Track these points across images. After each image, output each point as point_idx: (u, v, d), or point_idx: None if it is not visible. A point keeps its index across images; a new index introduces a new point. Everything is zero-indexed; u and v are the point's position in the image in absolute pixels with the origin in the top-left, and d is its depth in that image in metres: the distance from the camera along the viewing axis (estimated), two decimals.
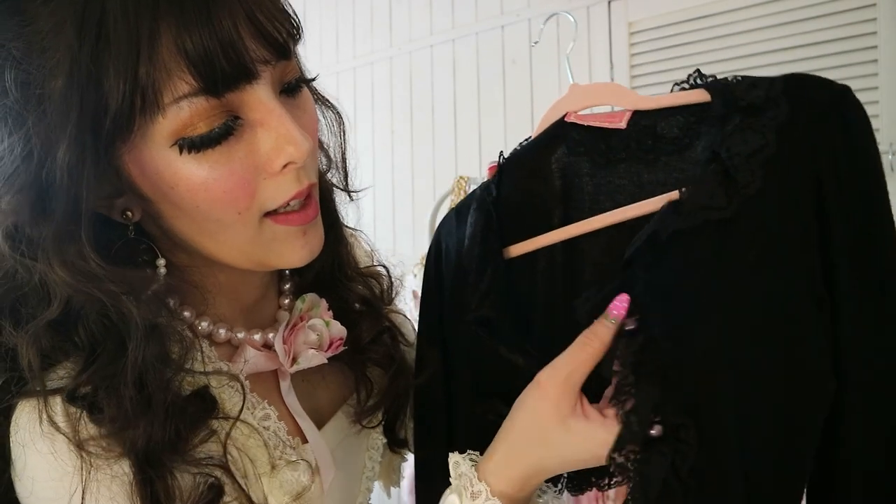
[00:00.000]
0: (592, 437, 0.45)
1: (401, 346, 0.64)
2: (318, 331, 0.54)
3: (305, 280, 0.57)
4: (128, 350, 0.40)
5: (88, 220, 0.39)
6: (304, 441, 0.52)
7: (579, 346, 0.47)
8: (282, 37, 0.42)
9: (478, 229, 0.60)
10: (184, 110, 0.38)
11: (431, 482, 0.58)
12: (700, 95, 0.54)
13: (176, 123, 0.39)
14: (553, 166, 0.61)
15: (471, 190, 1.66)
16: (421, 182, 2.17)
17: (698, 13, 1.56)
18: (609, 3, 1.73)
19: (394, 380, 0.59)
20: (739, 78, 0.53)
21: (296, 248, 0.47)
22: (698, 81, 0.56)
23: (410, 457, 0.65)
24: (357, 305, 0.59)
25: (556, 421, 0.46)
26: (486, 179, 0.65)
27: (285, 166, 0.43)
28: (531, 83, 1.90)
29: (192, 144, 0.40)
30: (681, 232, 0.48)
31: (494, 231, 0.59)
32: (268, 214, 0.44)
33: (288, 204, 0.45)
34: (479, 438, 0.52)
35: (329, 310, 0.56)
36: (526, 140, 0.64)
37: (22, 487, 0.40)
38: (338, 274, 0.59)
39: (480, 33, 2.01)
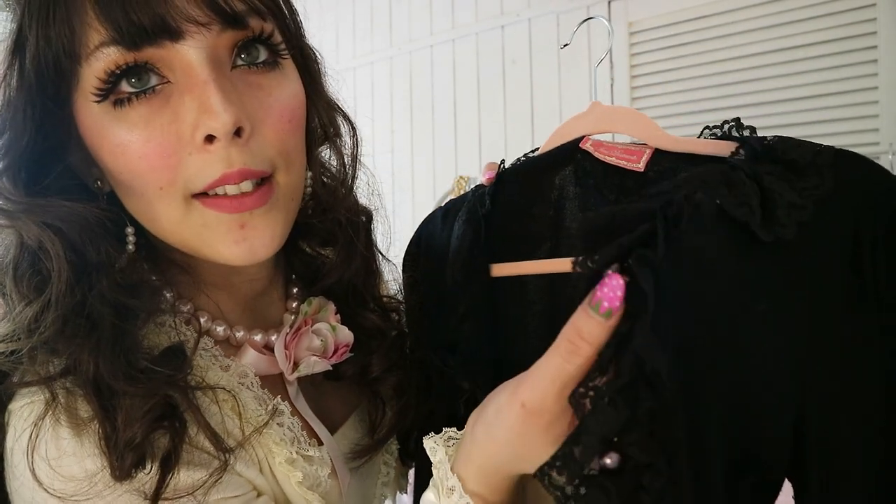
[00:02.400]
0: None
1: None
2: (323, 336, 0.52)
3: (313, 292, 0.54)
4: (60, 282, 0.40)
5: (30, 160, 0.40)
6: (320, 443, 0.51)
7: (566, 354, 0.37)
8: (233, 3, 0.39)
9: (465, 244, 0.56)
10: (99, 60, 0.37)
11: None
12: (732, 149, 0.48)
13: (96, 74, 0.38)
14: (556, 192, 0.56)
15: (471, 189, 1.63)
16: (421, 182, 2.17)
17: (698, 13, 1.56)
18: (609, 3, 1.73)
19: (403, 412, 0.57)
20: (778, 138, 0.47)
21: (228, 241, 0.41)
22: (732, 133, 0.50)
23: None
24: (370, 335, 0.56)
25: (549, 441, 0.38)
26: (481, 182, 0.61)
27: (210, 141, 0.39)
28: (531, 83, 1.90)
29: (107, 95, 0.38)
30: (714, 224, 0.41)
31: (481, 249, 0.55)
32: (197, 196, 0.41)
33: (221, 188, 0.41)
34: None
35: (337, 314, 0.54)
36: (532, 152, 0.59)
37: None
38: (352, 299, 0.56)
39: (480, 33, 2.01)
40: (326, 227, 0.52)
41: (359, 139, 0.54)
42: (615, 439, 0.36)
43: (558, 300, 0.55)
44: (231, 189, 0.40)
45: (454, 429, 0.46)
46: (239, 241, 0.41)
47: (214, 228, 0.41)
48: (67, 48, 0.38)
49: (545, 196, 0.56)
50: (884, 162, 1.29)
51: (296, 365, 0.50)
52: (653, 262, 0.36)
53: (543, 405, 0.37)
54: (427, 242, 0.62)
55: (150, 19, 0.37)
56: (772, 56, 1.47)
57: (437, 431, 0.56)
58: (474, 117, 2.02)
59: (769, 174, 0.44)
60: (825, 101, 1.42)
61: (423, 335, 0.60)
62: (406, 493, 0.66)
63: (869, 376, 0.43)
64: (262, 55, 0.42)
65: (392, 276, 0.63)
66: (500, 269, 0.56)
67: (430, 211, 1.68)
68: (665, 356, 0.35)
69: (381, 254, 0.60)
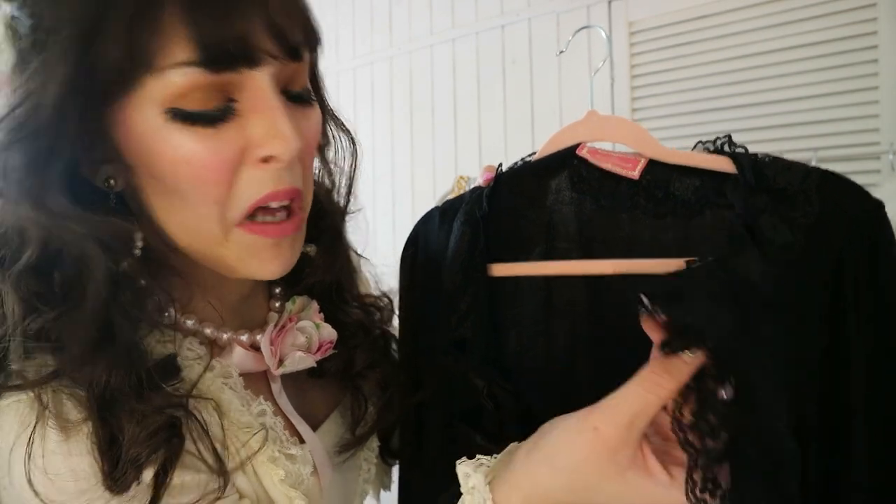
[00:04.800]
0: (652, 494, 0.38)
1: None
2: (308, 333, 0.53)
3: (298, 292, 0.56)
4: (95, 294, 0.40)
5: (64, 165, 0.40)
6: (301, 441, 0.52)
7: (647, 385, 0.38)
8: (294, 38, 0.42)
9: (464, 245, 0.57)
10: (179, 77, 0.39)
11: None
12: (724, 164, 0.51)
13: (170, 89, 0.39)
14: (552, 196, 0.58)
15: (468, 191, 1.65)
16: (421, 182, 2.17)
17: (698, 13, 1.56)
18: (609, 3, 1.73)
19: (387, 409, 0.59)
20: (769, 158, 0.50)
21: (265, 260, 0.45)
22: (725, 148, 0.53)
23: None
24: (353, 331, 0.58)
25: (612, 472, 0.38)
26: (479, 184, 0.63)
27: (268, 160, 0.42)
28: (531, 83, 1.90)
29: (186, 116, 0.40)
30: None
31: (481, 250, 0.57)
32: (241, 225, 0.44)
33: (267, 207, 0.44)
34: (450, 462, 0.47)
35: (320, 312, 0.55)
36: (530, 156, 0.61)
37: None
38: (335, 296, 0.58)
39: (480, 33, 2.01)
40: (312, 227, 0.53)
41: (358, 151, 0.57)
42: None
43: (559, 301, 0.56)
44: (280, 215, 0.45)
45: (487, 457, 0.45)
46: (273, 259, 0.46)
47: (255, 250, 0.45)
48: (143, 56, 0.38)
49: (541, 200, 0.58)
50: (884, 162, 1.29)
51: (281, 361, 0.51)
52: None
53: (618, 431, 0.38)
54: (425, 241, 0.63)
55: (236, 48, 0.40)
56: (772, 56, 1.47)
57: (437, 431, 0.56)
58: (474, 117, 2.02)
59: (762, 211, 0.47)
60: (825, 101, 1.41)
61: (423, 334, 0.61)
62: (389, 490, 0.67)
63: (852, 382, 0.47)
64: (305, 90, 0.46)
65: (370, 274, 0.66)
66: (500, 269, 0.57)
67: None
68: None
69: (356, 251, 0.62)
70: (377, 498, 0.68)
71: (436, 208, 0.65)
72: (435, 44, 2.12)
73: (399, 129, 2.23)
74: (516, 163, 0.61)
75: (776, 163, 0.50)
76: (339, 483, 0.55)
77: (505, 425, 0.51)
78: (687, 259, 0.44)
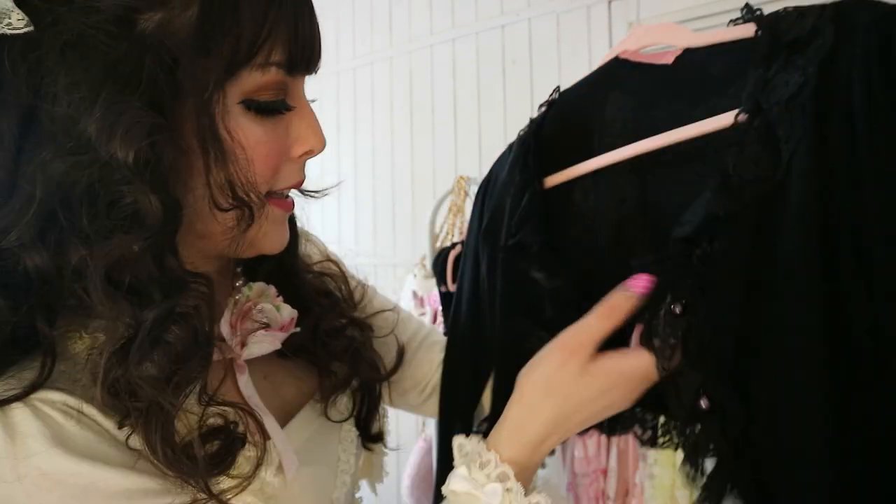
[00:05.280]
0: (617, 370, 0.48)
1: (373, 339, 0.64)
2: (268, 315, 0.54)
3: (259, 274, 0.58)
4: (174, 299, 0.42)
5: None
6: (267, 437, 0.50)
7: (599, 317, 0.49)
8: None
9: (517, 158, 0.62)
10: (266, 75, 0.43)
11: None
12: (748, 30, 0.52)
13: (253, 84, 0.43)
14: (599, 100, 0.61)
15: (471, 190, 1.66)
16: (421, 182, 2.17)
17: (698, 13, 1.56)
18: (609, 3, 1.73)
19: (354, 367, 0.60)
20: (790, 9, 0.49)
21: (279, 233, 0.50)
22: (748, 16, 0.53)
23: (396, 455, 0.65)
24: (315, 298, 0.60)
25: (574, 368, 0.48)
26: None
27: (302, 154, 0.48)
28: (531, 83, 1.90)
29: (260, 107, 0.44)
30: (732, 213, 0.46)
31: (534, 159, 0.62)
32: (268, 196, 0.48)
33: (286, 191, 0.50)
34: (510, 359, 0.55)
35: (279, 296, 0.56)
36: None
37: None
38: (290, 275, 0.60)
39: (480, 33, 2.01)
40: None
41: None
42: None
43: (609, 196, 0.60)
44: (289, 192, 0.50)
45: (480, 435, 0.52)
46: (284, 231, 0.51)
47: (277, 222, 0.50)
48: (253, 53, 0.42)
49: (587, 107, 0.62)
50: None
51: (243, 345, 0.51)
52: (697, 264, 0.47)
53: (579, 341, 0.49)
54: (496, 175, 0.69)
55: (310, 57, 0.46)
56: None
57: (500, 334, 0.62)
58: (474, 117, 2.02)
59: (773, 77, 0.45)
60: None
61: (485, 248, 0.67)
62: (382, 482, 0.67)
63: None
64: None
65: (316, 248, 0.68)
66: (553, 179, 0.62)
67: (430, 211, 1.69)
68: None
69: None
70: (374, 491, 0.68)
71: (508, 145, 0.70)
72: (435, 44, 2.12)
73: (399, 129, 2.23)
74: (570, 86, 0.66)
75: (794, 12, 0.48)
76: (314, 474, 0.55)
77: (565, 318, 0.55)
78: (736, 112, 0.47)
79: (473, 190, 1.59)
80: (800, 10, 0.48)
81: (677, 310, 0.47)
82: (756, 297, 0.46)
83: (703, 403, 0.47)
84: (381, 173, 2.27)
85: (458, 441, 0.50)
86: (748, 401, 0.46)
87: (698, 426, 0.48)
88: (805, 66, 0.44)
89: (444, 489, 0.48)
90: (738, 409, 0.46)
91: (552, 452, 0.76)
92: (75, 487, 0.37)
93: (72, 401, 0.40)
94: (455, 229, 1.56)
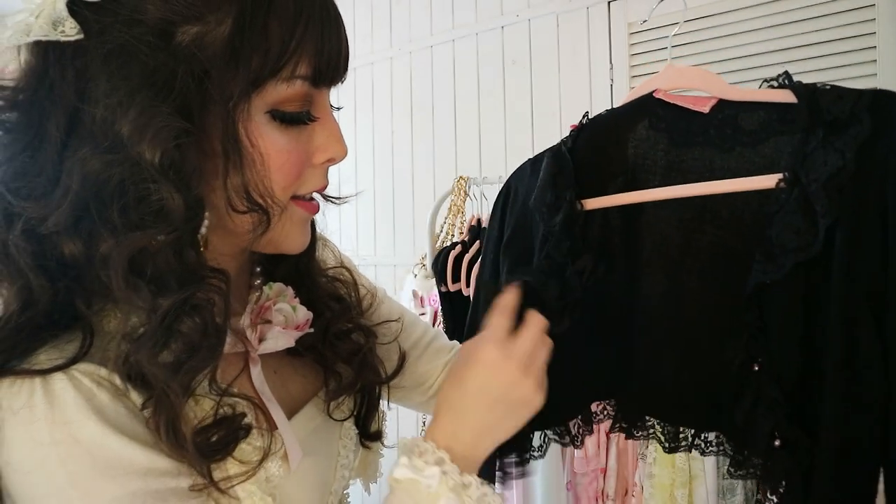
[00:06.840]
0: (515, 351, 0.54)
1: (378, 345, 0.66)
2: (286, 314, 0.56)
3: (277, 273, 0.60)
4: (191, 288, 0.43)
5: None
6: (275, 428, 0.53)
7: (498, 317, 0.57)
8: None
9: (549, 175, 0.65)
10: (292, 88, 0.45)
11: None
12: (785, 96, 0.56)
13: (279, 95, 0.44)
14: (630, 134, 0.64)
15: (471, 190, 1.65)
16: (421, 182, 2.17)
17: (698, 13, 1.56)
18: (609, 3, 1.73)
19: (360, 372, 0.62)
20: (828, 87, 0.54)
21: (301, 233, 0.52)
22: (786, 82, 0.58)
23: (389, 454, 0.66)
24: (326, 301, 0.62)
25: (496, 353, 0.53)
26: (505, 173, 0.72)
27: (324, 162, 0.50)
28: (531, 83, 1.90)
29: (284, 118, 0.45)
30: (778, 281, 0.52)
31: (569, 178, 0.64)
32: (293, 199, 0.50)
33: (311, 194, 0.51)
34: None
35: (296, 297, 0.59)
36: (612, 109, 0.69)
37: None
38: (306, 278, 0.62)
39: (480, 33, 2.01)
40: None
41: None
42: None
43: (646, 229, 0.64)
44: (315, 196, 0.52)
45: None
46: (306, 232, 0.53)
47: (300, 224, 0.52)
48: (280, 66, 0.43)
49: (621, 138, 0.65)
50: None
51: (261, 339, 0.54)
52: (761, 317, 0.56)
53: (495, 336, 0.55)
54: (516, 188, 0.71)
55: (335, 70, 0.48)
56: (772, 56, 1.47)
57: None
58: (474, 117, 2.02)
59: (812, 153, 0.50)
60: None
61: (507, 264, 0.69)
62: (376, 482, 0.69)
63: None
64: None
65: (332, 254, 0.71)
66: (590, 203, 0.65)
67: (430, 211, 1.69)
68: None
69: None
70: (367, 490, 0.69)
71: (527, 161, 0.72)
72: (435, 44, 2.12)
73: (399, 129, 2.23)
74: (601, 113, 0.69)
75: (832, 91, 0.53)
76: (315, 466, 0.57)
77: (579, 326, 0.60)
78: (779, 178, 0.53)
79: (473, 190, 1.60)
80: (837, 92, 0.53)
81: (755, 367, 0.55)
82: (810, 351, 0.53)
83: (778, 443, 0.54)
84: (381, 173, 2.27)
85: (401, 440, 0.54)
86: (815, 438, 0.53)
87: (770, 460, 0.55)
88: (843, 150, 0.49)
89: (388, 479, 0.51)
90: (806, 447, 0.53)
91: (542, 453, 0.78)
92: (101, 460, 0.40)
93: (104, 372, 0.42)
94: (455, 229, 1.56)
